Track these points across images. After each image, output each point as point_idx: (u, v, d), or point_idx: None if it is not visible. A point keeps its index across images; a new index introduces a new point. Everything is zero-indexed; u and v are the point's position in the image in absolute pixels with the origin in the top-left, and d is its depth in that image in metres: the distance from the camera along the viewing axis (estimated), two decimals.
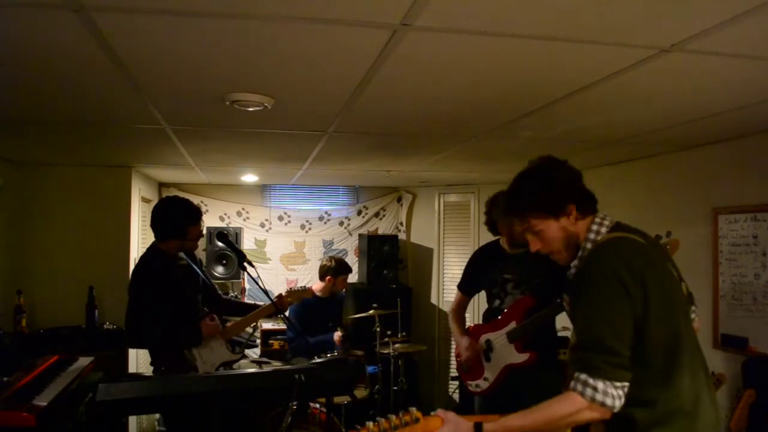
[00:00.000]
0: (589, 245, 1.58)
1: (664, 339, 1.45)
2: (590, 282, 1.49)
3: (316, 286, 4.47)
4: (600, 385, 1.38)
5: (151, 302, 2.67)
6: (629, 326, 1.43)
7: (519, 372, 2.78)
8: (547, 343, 2.82)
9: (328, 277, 4.40)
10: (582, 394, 1.39)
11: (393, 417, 1.44)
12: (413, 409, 1.48)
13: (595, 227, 1.60)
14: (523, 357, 2.76)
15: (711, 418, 1.49)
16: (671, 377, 1.45)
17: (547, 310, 2.63)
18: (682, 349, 1.48)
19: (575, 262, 1.61)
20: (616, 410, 1.40)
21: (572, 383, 1.43)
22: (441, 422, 1.51)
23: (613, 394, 1.38)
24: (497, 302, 2.93)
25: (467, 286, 3.13)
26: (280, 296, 3.14)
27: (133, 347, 3.77)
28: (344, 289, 4.66)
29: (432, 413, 1.53)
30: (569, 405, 1.42)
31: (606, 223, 1.60)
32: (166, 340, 2.73)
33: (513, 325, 2.78)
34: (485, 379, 2.90)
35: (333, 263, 4.43)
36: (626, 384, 1.40)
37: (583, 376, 1.41)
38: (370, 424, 1.42)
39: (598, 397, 1.38)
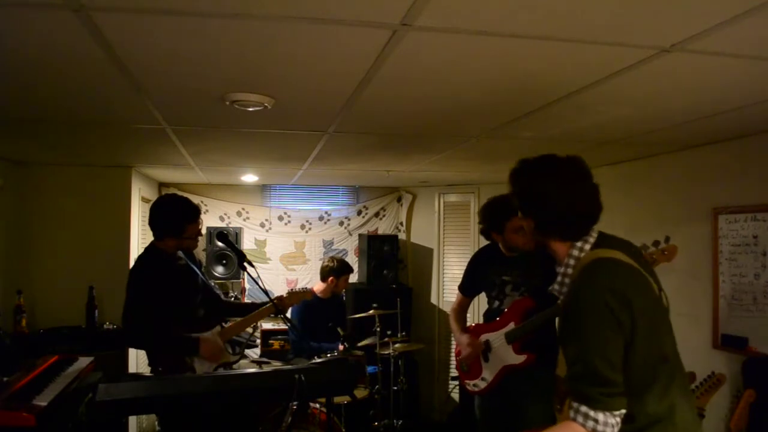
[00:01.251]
0: (572, 262, 1.59)
1: (646, 358, 1.47)
2: (579, 312, 1.49)
3: (317, 286, 4.48)
4: (600, 416, 1.41)
5: (147, 302, 2.66)
6: (620, 352, 1.45)
7: (517, 372, 2.79)
8: (546, 345, 2.80)
9: (330, 278, 4.39)
10: (584, 425, 1.42)
11: None
12: None
13: (579, 243, 1.60)
14: (520, 358, 2.77)
15: (688, 421, 1.51)
16: (646, 390, 1.47)
17: (545, 312, 2.63)
18: (663, 366, 1.50)
19: (558, 278, 1.63)
20: None
21: (572, 413, 1.45)
22: None
23: (612, 423, 1.41)
24: (496, 303, 2.95)
25: (467, 288, 3.16)
26: (280, 298, 3.13)
27: (130, 347, 3.77)
28: (344, 290, 4.66)
29: None
30: None
31: (590, 240, 1.60)
32: (161, 342, 2.72)
33: (512, 326, 2.79)
34: (483, 378, 2.92)
35: (335, 264, 4.43)
36: (623, 411, 1.43)
37: (584, 408, 1.43)
38: None
39: (599, 428, 1.41)
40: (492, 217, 2.86)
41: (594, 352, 1.44)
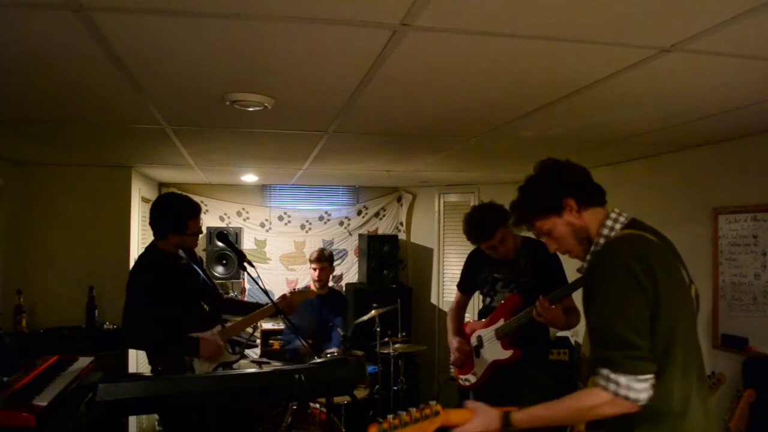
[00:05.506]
0: (602, 240, 1.59)
1: (665, 336, 1.44)
2: (602, 277, 1.48)
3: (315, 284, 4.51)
4: (622, 379, 1.39)
5: (148, 302, 2.65)
6: (645, 318, 1.42)
7: (506, 367, 2.85)
8: (535, 340, 2.85)
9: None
10: (605, 388, 1.41)
11: (413, 410, 1.49)
12: (433, 403, 1.51)
13: (609, 222, 1.60)
14: (507, 353, 2.84)
15: (700, 420, 1.47)
16: (662, 374, 1.43)
17: (528, 309, 2.68)
18: (677, 348, 1.46)
19: (588, 257, 1.62)
20: (642, 403, 1.39)
21: (597, 378, 1.44)
22: (472, 413, 1.55)
23: (638, 388, 1.38)
24: (488, 300, 3.04)
25: (464, 286, 3.25)
26: (284, 297, 3.11)
27: (130, 347, 3.77)
28: (333, 282, 4.64)
29: (465, 404, 1.59)
30: (593, 398, 1.43)
31: (621, 219, 1.60)
32: (162, 342, 2.71)
33: (501, 322, 2.87)
34: (474, 374, 3.00)
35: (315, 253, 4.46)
36: (650, 376, 1.40)
37: (605, 371, 1.41)
38: (390, 416, 1.47)
39: (622, 391, 1.39)
40: (471, 239, 2.96)
41: (615, 314, 1.42)
